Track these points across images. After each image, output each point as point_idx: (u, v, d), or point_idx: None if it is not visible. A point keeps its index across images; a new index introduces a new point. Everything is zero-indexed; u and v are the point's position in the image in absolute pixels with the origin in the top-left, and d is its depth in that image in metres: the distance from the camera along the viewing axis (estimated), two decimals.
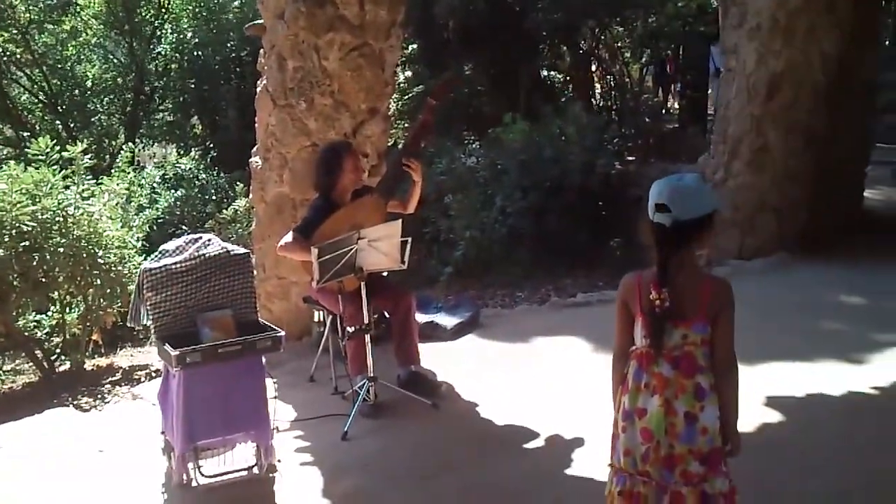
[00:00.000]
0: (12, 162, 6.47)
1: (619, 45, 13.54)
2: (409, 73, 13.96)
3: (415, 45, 13.67)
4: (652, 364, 2.41)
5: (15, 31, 13.98)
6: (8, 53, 14.21)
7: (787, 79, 7.75)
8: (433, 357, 5.28)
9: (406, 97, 13.49)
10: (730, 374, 2.41)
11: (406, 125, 13.93)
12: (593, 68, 14.09)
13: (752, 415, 4.14)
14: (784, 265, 7.56)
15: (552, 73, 14.99)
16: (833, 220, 8.04)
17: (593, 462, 3.71)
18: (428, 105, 4.91)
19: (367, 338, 4.52)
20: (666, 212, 2.33)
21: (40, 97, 14.83)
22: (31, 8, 14.31)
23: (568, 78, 14.87)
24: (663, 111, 14.05)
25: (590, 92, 14.21)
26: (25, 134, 13.69)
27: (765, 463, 3.68)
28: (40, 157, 6.51)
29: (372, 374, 4.55)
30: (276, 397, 4.29)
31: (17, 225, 5.82)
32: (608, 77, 13.80)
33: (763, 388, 4.58)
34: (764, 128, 7.90)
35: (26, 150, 7.09)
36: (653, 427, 2.39)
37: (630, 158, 11.09)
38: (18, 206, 5.86)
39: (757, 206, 8.00)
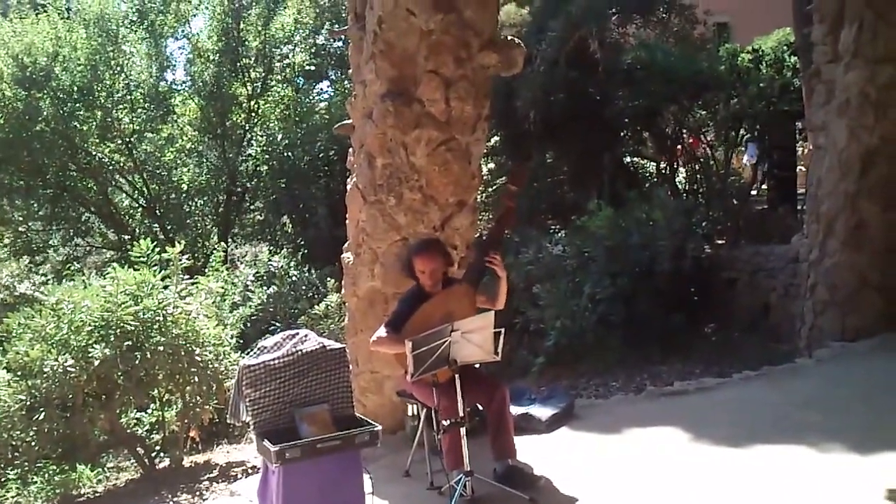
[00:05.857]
0: (116, 264, 6.74)
1: (703, 127, 13.45)
2: (491, 165, 14.14)
3: (497, 137, 13.87)
4: None
5: (120, 142, 14.79)
6: (113, 163, 15.00)
7: (882, 153, 7.58)
8: (529, 450, 5.17)
9: (490, 188, 13.64)
10: None
11: (490, 216, 14.05)
12: (677, 152, 14.02)
13: None
14: (891, 346, 7.22)
15: (635, 158, 14.97)
16: None
17: None
18: (508, 192, 4.92)
19: (463, 431, 4.46)
20: None
21: (140, 201, 15.54)
22: (134, 119, 15.14)
23: (652, 163, 14.83)
24: (752, 192, 13.81)
25: (674, 176, 14.12)
26: (126, 237, 14.33)
27: None
28: (141, 258, 6.76)
29: (468, 468, 4.46)
30: (372, 493, 4.25)
31: (122, 325, 6.03)
32: (693, 161, 13.70)
33: (881, 479, 4.31)
34: (859, 204, 7.70)
35: (128, 252, 7.38)
36: None
37: (720, 241, 10.91)
38: (122, 306, 6.09)
39: (857, 285, 7.71)
